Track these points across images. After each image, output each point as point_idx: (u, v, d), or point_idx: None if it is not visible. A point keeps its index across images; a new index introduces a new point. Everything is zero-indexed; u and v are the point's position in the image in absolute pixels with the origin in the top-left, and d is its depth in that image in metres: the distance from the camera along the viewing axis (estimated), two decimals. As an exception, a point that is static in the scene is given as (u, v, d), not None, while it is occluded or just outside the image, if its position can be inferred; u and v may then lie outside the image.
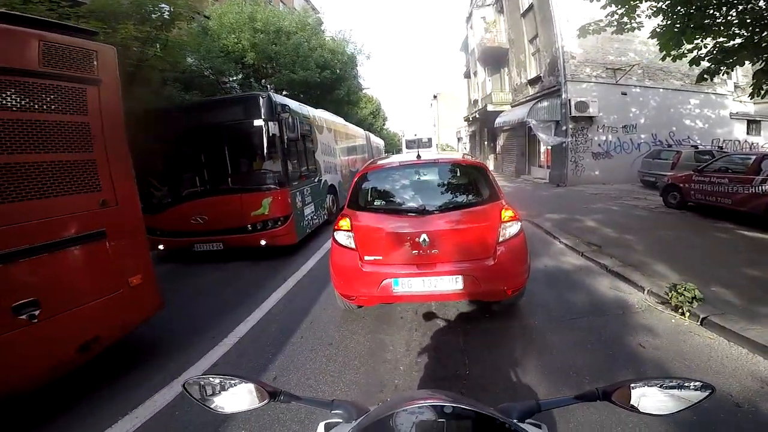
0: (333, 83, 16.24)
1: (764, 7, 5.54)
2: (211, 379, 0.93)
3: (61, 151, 2.50)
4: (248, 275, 5.55)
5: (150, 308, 3.25)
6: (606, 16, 6.81)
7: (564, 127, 14.37)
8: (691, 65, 6.50)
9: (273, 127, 5.78)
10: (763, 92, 6.33)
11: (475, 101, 26.63)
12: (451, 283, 3.18)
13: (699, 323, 3.41)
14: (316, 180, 7.83)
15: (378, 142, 22.82)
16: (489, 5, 21.94)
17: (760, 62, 6.15)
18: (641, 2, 6.25)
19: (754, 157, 7.25)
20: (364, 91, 29.47)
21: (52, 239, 2.42)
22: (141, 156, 5.78)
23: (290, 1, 26.88)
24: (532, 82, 17.15)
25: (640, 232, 6.66)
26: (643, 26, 6.73)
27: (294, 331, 3.70)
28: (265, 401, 0.93)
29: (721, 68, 6.35)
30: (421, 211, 3.40)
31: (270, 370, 3.04)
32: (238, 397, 0.93)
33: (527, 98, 17.28)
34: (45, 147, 2.41)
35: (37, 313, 2.26)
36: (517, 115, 16.58)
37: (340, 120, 11.67)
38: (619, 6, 6.36)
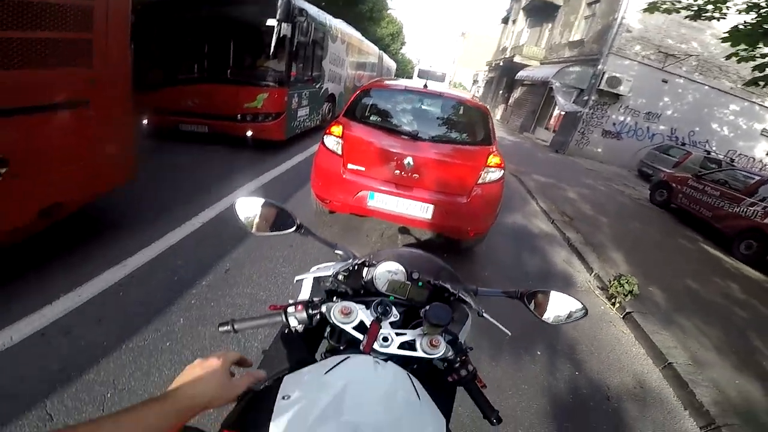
0: (360, -4, 14.96)
1: None
2: (255, 200, 1.12)
3: (59, 29, 2.40)
4: (228, 162, 5.51)
5: (120, 178, 3.19)
6: None
7: (586, 97, 13.87)
8: (753, 70, 6.08)
9: (286, 29, 5.73)
10: None
11: (504, 49, 25.48)
12: (421, 211, 3.30)
13: (622, 317, 3.60)
14: (317, 86, 7.85)
15: (390, 64, 21.73)
16: None
17: None
18: None
19: (757, 178, 7.12)
20: (389, 11, 27.30)
21: (34, 103, 2.36)
22: (148, 35, 5.71)
23: None
24: (573, 45, 16.22)
25: (614, 217, 6.80)
26: (725, 18, 6.16)
27: (259, 227, 3.77)
28: (292, 229, 1.12)
29: None
30: (414, 136, 3.47)
31: (224, 261, 3.01)
32: (272, 220, 1.13)
33: (560, 60, 16.46)
34: (44, 25, 2.31)
35: (2, 171, 2.19)
36: (544, 73, 15.93)
37: (356, 33, 11.27)
38: None
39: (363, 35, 12.38)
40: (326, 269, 1.10)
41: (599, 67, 13.44)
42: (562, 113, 15.21)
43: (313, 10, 6.96)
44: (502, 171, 3.39)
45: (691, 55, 13.19)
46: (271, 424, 0.56)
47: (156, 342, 2.14)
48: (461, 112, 3.91)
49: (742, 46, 5.77)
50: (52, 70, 2.43)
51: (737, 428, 2.41)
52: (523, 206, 6.31)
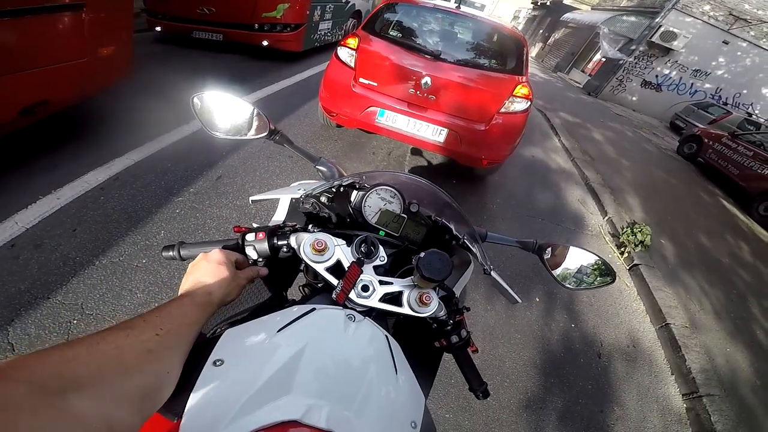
0: None
1: None
2: (219, 93, 0.91)
3: None
4: (239, 69, 5.27)
5: (115, 76, 2.98)
6: None
7: (633, 47, 13.13)
8: None
9: None
10: None
11: None
12: (434, 133, 3.17)
13: (628, 268, 3.51)
14: (343, 1, 7.39)
15: None
16: None
17: None
18: None
19: None
20: None
21: (21, 5, 2.15)
22: None
23: None
24: (635, -7, 14.87)
25: (637, 162, 6.60)
26: None
27: (259, 136, 3.64)
28: (263, 134, 0.93)
29: None
30: (436, 56, 3.24)
31: (217, 168, 2.85)
32: (240, 122, 0.93)
33: (615, 8, 15.48)
34: None
35: None
36: (592, 19, 15.27)
37: None
38: None
39: None
40: (309, 187, 0.89)
41: (657, 20, 12.61)
42: (603, 59, 14.48)
43: None
44: (529, 102, 3.20)
45: (765, 22, 12.26)
46: (188, 402, 0.43)
47: (131, 258, 1.97)
48: (495, 38, 3.63)
49: None
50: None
51: (717, 399, 2.38)
52: (545, 141, 6.09)
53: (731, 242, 4.94)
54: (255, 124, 0.94)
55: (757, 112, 13.03)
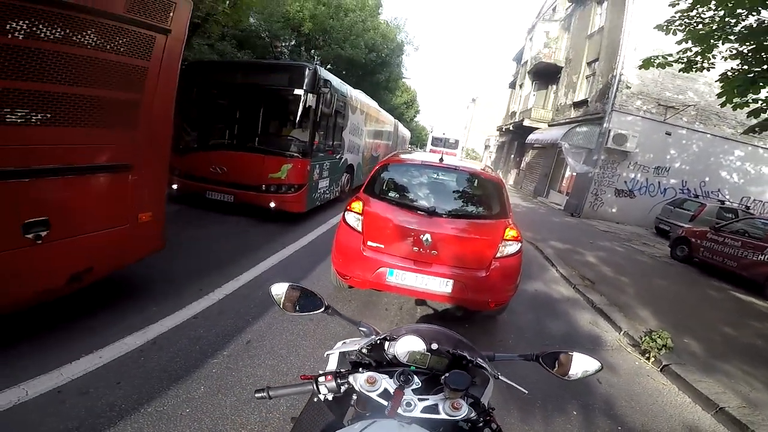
0: (377, 66, 16.37)
1: None
2: (289, 286, 1.27)
3: (114, 89, 2.57)
4: (250, 234, 5.66)
5: (150, 247, 3.24)
6: (677, 52, 6.59)
7: (595, 157, 14.17)
8: (749, 116, 6.21)
9: (311, 99, 5.98)
10: None
11: (513, 113, 26.40)
12: (441, 285, 3.34)
13: (659, 369, 3.57)
14: (337, 157, 8.01)
15: (405, 132, 22.63)
16: (556, 21, 21.67)
17: None
18: (722, 43, 5.95)
19: None
20: (403, 80, 29.42)
21: (79, 164, 2.41)
22: (183, 99, 5.93)
23: None
24: (578, 105, 16.91)
25: (636, 276, 6.75)
26: (714, 67, 6.48)
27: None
28: (321, 310, 1.26)
29: None
30: (431, 212, 3.57)
31: (246, 333, 3.05)
32: (303, 302, 1.27)
33: (567, 120, 17.06)
34: (100, 83, 2.47)
35: (44, 234, 2.19)
36: (552, 136, 16.39)
37: (374, 104, 11.77)
38: (696, 44, 6.13)
39: (379, 104, 13.04)
40: (351, 344, 1.20)
41: (605, 125, 13.82)
42: (574, 174, 15.45)
43: (336, 81, 7.22)
44: (520, 244, 3.49)
45: (689, 106, 13.57)
46: None
47: (175, 408, 2.14)
48: (476, 184, 4.01)
49: (735, 93, 5.80)
50: (103, 129, 2.48)
51: None
52: (543, 274, 6.32)
53: (758, 325, 4.95)
54: (314, 302, 1.26)
55: (727, 197, 13.65)
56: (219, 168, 6.18)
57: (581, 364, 1.14)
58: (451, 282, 3.33)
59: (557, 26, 21.34)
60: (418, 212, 3.59)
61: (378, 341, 1.13)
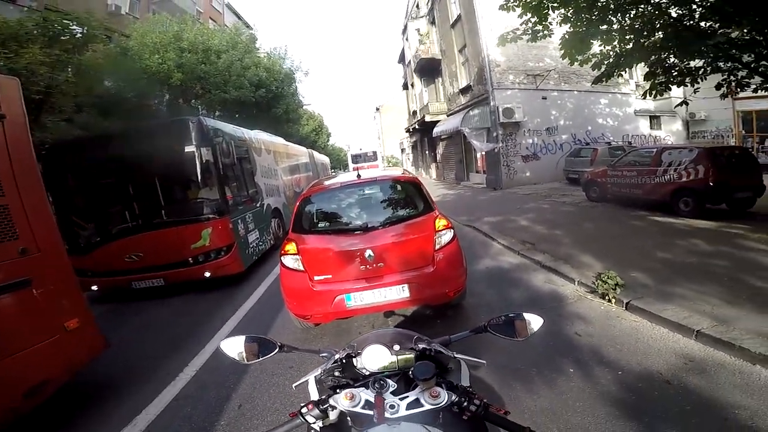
0: (270, 101, 16.01)
1: (652, 11, 6.23)
2: (237, 339, 1.28)
3: None
4: (197, 308, 5.29)
5: (94, 349, 3.19)
6: (521, 25, 7.27)
7: (495, 134, 15.25)
8: (593, 69, 7.17)
9: (206, 153, 5.57)
10: (653, 92, 7.18)
11: (414, 112, 27.49)
12: (398, 292, 3.38)
13: (624, 308, 3.75)
14: (258, 205, 7.57)
15: (323, 159, 22.58)
16: (422, 17, 22.95)
17: (647, 64, 7.00)
18: (552, 11, 6.72)
19: (655, 150, 8.36)
20: (304, 108, 29.45)
21: None
22: (61, 193, 5.43)
23: (221, 18, 26.36)
24: (464, 91, 17.99)
25: (567, 226, 7.27)
26: (553, 33, 7.23)
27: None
28: (276, 350, 1.28)
29: (615, 71, 7.10)
30: (365, 228, 3.61)
31: (234, 399, 2.99)
32: (255, 349, 1.28)
33: (460, 107, 18.12)
34: None
35: None
36: (453, 124, 17.30)
37: (279, 140, 11.48)
38: (533, 15, 6.81)
39: (286, 139, 12.68)
40: (318, 371, 1.24)
41: (492, 103, 14.98)
42: (483, 154, 16.53)
43: (227, 127, 6.89)
44: (452, 230, 3.62)
45: (550, 70, 15.27)
46: None
47: None
48: (397, 189, 4.12)
49: (573, 52, 6.83)
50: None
51: None
52: (487, 249, 6.55)
53: (683, 243, 5.48)
54: (266, 346, 1.28)
55: (611, 138, 15.62)
56: (134, 255, 5.54)
57: (530, 323, 1.28)
58: (406, 286, 3.38)
59: (425, 22, 22.64)
60: (354, 232, 3.63)
61: (343, 359, 1.18)
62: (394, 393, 0.99)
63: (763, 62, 6.12)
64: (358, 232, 3.59)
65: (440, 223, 3.58)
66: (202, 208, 5.74)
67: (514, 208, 9.94)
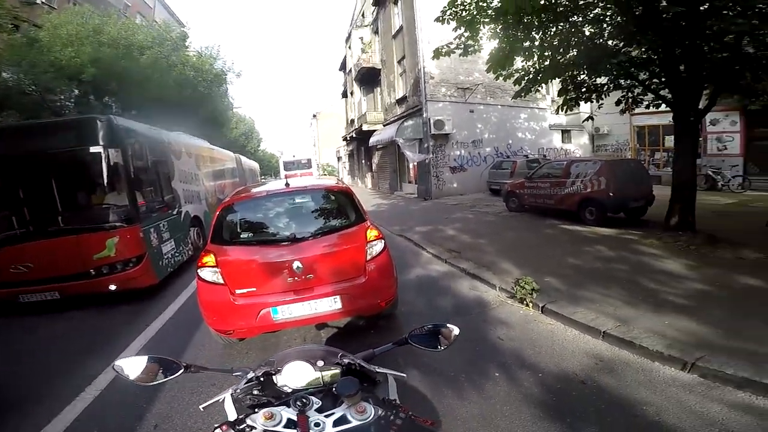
0: (197, 102, 15.10)
1: (569, 29, 6.82)
2: (137, 359, 1.16)
3: None
4: (102, 323, 4.75)
5: None
6: (455, 39, 7.53)
7: (426, 145, 15.82)
8: (515, 84, 7.65)
9: (115, 155, 5.03)
10: (565, 107, 7.84)
11: (352, 120, 27.48)
12: (330, 304, 3.29)
13: (540, 311, 4.01)
14: (175, 212, 6.99)
15: (252, 165, 21.50)
16: (367, 26, 23.14)
17: (561, 81, 7.69)
18: (483, 26, 7.03)
19: (565, 162, 9.23)
20: (235, 110, 28.09)
21: None
22: None
23: (151, 13, 24.63)
24: (400, 101, 18.43)
25: (489, 235, 7.74)
26: (482, 48, 7.65)
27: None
28: (180, 372, 1.17)
29: (533, 86, 7.65)
30: (293, 239, 3.46)
31: (148, 419, 2.75)
32: (158, 370, 1.17)
33: (396, 117, 18.53)
34: None
35: None
36: (388, 134, 17.63)
37: (203, 143, 10.77)
38: (466, 29, 7.08)
39: (210, 142, 11.99)
40: (231, 390, 1.19)
41: (424, 115, 15.56)
42: (415, 164, 17.03)
43: (142, 128, 6.38)
44: (383, 240, 3.62)
45: (478, 84, 16.27)
46: None
47: None
48: (328, 199, 4.03)
49: (498, 67, 7.21)
50: None
51: (708, 359, 2.75)
52: (417, 258, 6.73)
53: (590, 249, 6.10)
54: (170, 366, 1.18)
55: (528, 151, 16.96)
56: (22, 266, 4.88)
57: (449, 333, 1.29)
58: (338, 297, 3.30)
59: (368, 31, 22.90)
60: (281, 243, 3.47)
61: (262, 378, 1.14)
62: (319, 410, 0.96)
63: (655, 80, 6.93)
64: (286, 243, 3.44)
65: (371, 233, 3.56)
66: (108, 215, 5.19)
67: (442, 218, 10.34)
